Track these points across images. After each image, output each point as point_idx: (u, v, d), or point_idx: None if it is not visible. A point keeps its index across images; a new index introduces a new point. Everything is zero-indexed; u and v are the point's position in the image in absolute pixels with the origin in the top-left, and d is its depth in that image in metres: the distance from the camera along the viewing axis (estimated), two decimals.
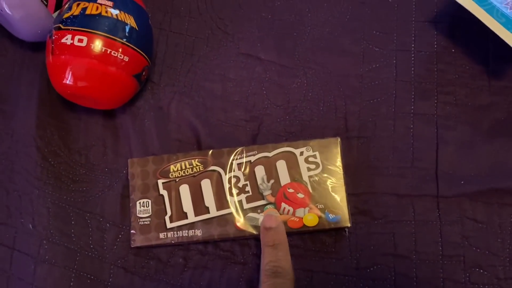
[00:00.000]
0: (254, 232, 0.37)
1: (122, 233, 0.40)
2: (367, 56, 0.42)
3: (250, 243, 0.39)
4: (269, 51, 0.44)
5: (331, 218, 0.36)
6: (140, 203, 0.39)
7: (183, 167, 0.38)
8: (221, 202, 0.37)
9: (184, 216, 0.38)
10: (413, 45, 0.42)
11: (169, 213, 0.38)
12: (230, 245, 0.39)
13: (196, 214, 0.37)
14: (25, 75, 0.46)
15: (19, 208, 0.42)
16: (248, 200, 0.37)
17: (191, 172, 0.38)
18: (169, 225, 0.38)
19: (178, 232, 0.37)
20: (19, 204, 0.42)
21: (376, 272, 0.37)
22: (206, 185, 0.38)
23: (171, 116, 0.43)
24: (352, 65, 0.42)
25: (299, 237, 0.39)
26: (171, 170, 0.38)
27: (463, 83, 0.40)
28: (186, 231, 0.37)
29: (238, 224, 0.37)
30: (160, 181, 0.38)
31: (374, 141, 0.40)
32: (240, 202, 0.37)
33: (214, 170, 0.38)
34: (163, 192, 0.38)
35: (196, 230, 0.37)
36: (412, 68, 0.41)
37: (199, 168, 0.38)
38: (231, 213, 0.37)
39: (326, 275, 0.37)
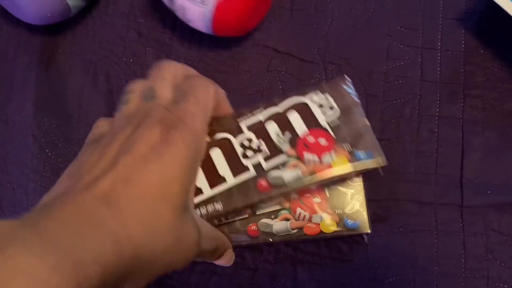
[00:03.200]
0: (280, 191, 0.32)
1: None
2: (391, 53, 0.40)
3: (262, 248, 0.37)
4: (287, 43, 0.41)
5: (364, 158, 0.31)
6: None
7: None
8: (237, 167, 0.32)
9: (199, 191, 0.32)
10: (439, 44, 0.40)
11: None
12: (240, 250, 0.37)
13: (211, 186, 0.32)
14: (21, 57, 0.43)
15: (12, 201, 0.39)
16: (267, 159, 0.32)
17: None
18: None
19: (197, 211, 0.32)
20: (12, 197, 0.39)
21: (395, 284, 0.35)
22: (217, 154, 0.32)
23: None
24: (375, 62, 0.40)
25: (313, 243, 0.36)
26: None
27: (491, 86, 0.38)
28: (205, 207, 0.32)
29: (261, 185, 0.32)
30: None
31: (396, 144, 0.38)
32: (258, 163, 0.32)
33: (222, 138, 0.33)
34: None
35: (215, 203, 0.32)
36: (438, 68, 0.39)
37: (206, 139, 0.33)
38: (251, 177, 0.32)
39: (341, 287, 0.35)
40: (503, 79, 0.38)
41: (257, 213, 0.33)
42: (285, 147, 0.32)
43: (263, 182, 0.32)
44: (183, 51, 0.41)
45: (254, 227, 0.33)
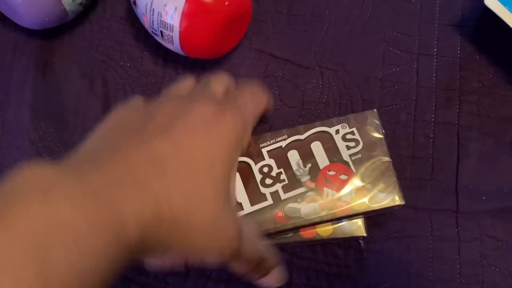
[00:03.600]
0: (296, 224, 0.32)
1: None
2: (387, 58, 0.40)
3: None
4: (284, 48, 0.41)
5: (382, 197, 0.32)
6: None
7: None
8: (255, 196, 0.32)
9: None
10: (435, 50, 0.40)
11: None
12: None
13: None
14: (18, 61, 0.42)
15: None
16: (285, 189, 0.32)
17: None
18: None
19: None
20: None
21: None
22: (236, 179, 0.32)
23: None
24: (371, 68, 0.40)
25: (309, 248, 0.36)
26: None
27: (487, 92, 0.38)
28: None
29: (278, 216, 0.32)
30: None
31: (392, 150, 0.37)
32: (276, 192, 0.32)
33: (242, 161, 0.33)
34: None
35: None
36: (434, 74, 0.39)
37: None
38: (267, 206, 0.32)
39: None
40: (498, 85, 0.39)
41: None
42: (305, 178, 0.32)
43: (279, 213, 0.32)
44: (179, 55, 0.41)
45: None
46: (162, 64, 0.42)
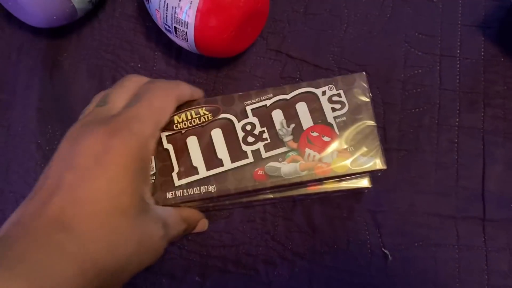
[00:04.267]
0: (276, 183, 0.31)
1: None
2: (409, 60, 0.39)
3: (276, 262, 0.35)
4: (301, 48, 0.39)
5: (363, 160, 0.31)
6: None
7: (189, 117, 0.32)
8: (236, 152, 0.32)
9: (195, 171, 0.31)
10: (458, 51, 0.39)
11: (176, 169, 0.32)
12: (253, 263, 0.35)
13: (208, 168, 0.31)
14: (25, 60, 0.41)
15: None
16: (267, 148, 0.31)
17: (198, 122, 0.32)
18: (177, 182, 0.31)
19: (189, 190, 0.31)
20: (15, 207, 0.37)
21: None
22: (217, 135, 0.32)
23: None
24: (392, 70, 0.38)
25: (330, 256, 0.35)
26: (175, 121, 0.32)
27: None
28: (198, 187, 0.31)
29: (258, 174, 0.31)
30: (163, 134, 0.32)
31: (415, 155, 0.36)
32: (257, 151, 0.31)
33: (225, 118, 0.32)
34: (168, 146, 0.32)
35: (209, 186, 0.31)
36: (458, 76, 0.38)
37: (207, 117, 0.32)
38: (248, 164, 0.31)
39: None
40: None
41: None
42: (287, 138, 0.31)
43: (259, 171, 0.31)
44: (192, 55, 0.40)
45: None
46: (175, 64, 0.40)
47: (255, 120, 0.32)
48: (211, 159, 0.32)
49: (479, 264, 0.34)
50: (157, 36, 0.40)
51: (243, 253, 0.36)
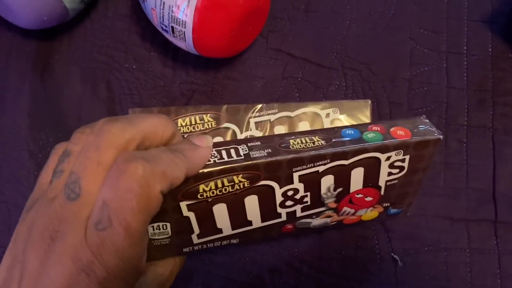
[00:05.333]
0: (301, 231, 0.30)
1: None
2: (415, 57, 0.37)
3: (282, 270, 0.34)
4: (303, 47, 0.38)
5: (392, 212, 0.30)
6: (153, 226, 0.27)
7: (220, 186, 0.26)
8: (269, 214, 0.28)
9: (218, 231, 0.28)
10: (465, 48, 0.37)
11: (196, 231, 0.27)
12: (259, 272, 0.34)
13: (233, 228, 0.28)
14: (14, 64, 0.39)
15: (7, 223, 0.36)
16: (304, 209, 0.28)
17: (231, 190, 0.26)
18: (196, 241, 0.28)
19: (209, 244, 0.28)
20: (7, 218, 0.36)
21: None
22: (251, 202, 0.27)
23: None
24: (398, 68, 0.37)
25: (338, 263, 0.34)
26: (201, 191, 0.26)
27: None
28: (219, 242, 0.28)
29: (286, 228, 0.29)
30: (183, 204, 0.26)
31: None
32: (293, 212, 0.28)
33: (265, 185, 0.27)
34: (189, 213, 0.27)
35: (232, 240, 0.29)
36: (465, 74, 0.37)
37: (243, 185, 0.26)
38: (279, 222, 0.29)
39: None
40: None
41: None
42: (329, 200, 0.29)
43: (289, 226, 0.29)
44: (190, 56, 0.38)
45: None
46: (172, 65, 0.38)
47: (300, 186, 0.27)
48: (239, 221, 0.28)
49: (492, 268, 0.33)
50: (153, 36, 0.39)
51: (248, 261, 0.35)
